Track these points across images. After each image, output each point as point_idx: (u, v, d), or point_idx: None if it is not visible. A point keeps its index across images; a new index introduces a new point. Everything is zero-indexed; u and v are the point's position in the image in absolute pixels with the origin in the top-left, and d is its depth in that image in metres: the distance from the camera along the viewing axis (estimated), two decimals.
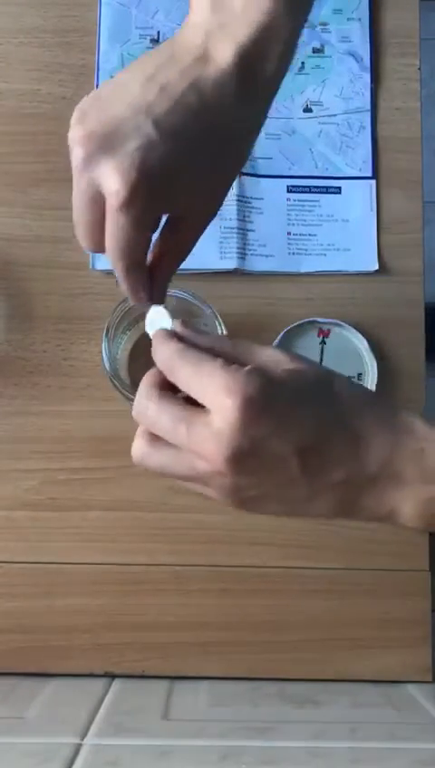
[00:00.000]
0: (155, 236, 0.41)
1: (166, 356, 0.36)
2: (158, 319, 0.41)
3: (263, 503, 0.36)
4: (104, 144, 0.36)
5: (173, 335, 0.37)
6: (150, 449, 0.36)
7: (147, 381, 0.37)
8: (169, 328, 0.39)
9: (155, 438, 0.36)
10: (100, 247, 0.39)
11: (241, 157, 0.42)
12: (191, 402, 0.35)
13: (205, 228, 0.42)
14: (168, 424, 0.35)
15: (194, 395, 0.35)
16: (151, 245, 0.41)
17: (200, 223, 0.42)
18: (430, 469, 0.34)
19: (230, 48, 0.37)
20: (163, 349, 0.37)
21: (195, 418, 0.34)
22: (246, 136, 0.41)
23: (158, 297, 0.42)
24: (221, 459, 0.33)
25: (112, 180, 0.36)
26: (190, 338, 0.37)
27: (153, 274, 0.41)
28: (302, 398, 0.35)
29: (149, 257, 0.41)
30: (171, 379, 0.36)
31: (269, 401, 0.33)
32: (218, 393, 0.33)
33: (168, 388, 0.36)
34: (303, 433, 0.34)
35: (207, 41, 0.38)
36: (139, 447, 0.37)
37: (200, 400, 0.34)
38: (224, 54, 0.37)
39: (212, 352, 0.35)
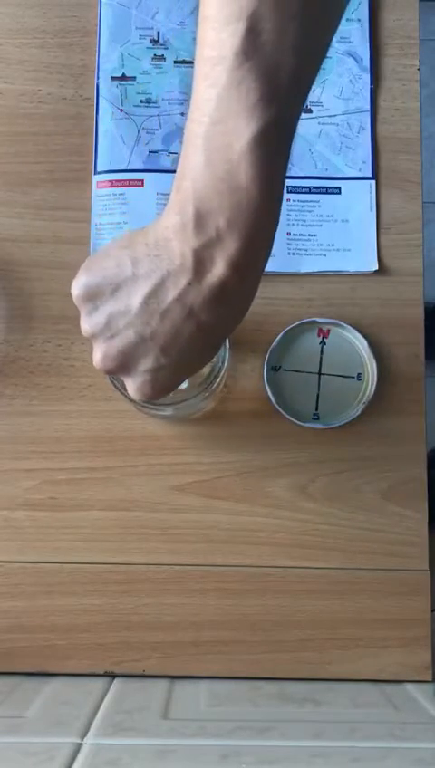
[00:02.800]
0: None
1: None
2: None
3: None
4: (122, 367, 0.44)
5: None
6: None
7: None
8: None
9: None
10: None
11: (232, 330, 0.45)
12: None
13: None
14: None
15: None
16: None
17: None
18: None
19: (221, 265, 0.39)
20: None
21: None
22: (239, 319, 0.43)
23: None
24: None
25: (131, 390, 0.45)
26: None
27: None
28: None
29: None
30: None
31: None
32: None
33: None
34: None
35: (198, 260, 0.39)
36: None
37: None
38: (216, 272, 0.39)
39: None
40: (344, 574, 0.61)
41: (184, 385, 0.58)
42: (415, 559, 0.61)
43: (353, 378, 0.62)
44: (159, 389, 0.44)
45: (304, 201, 0.65)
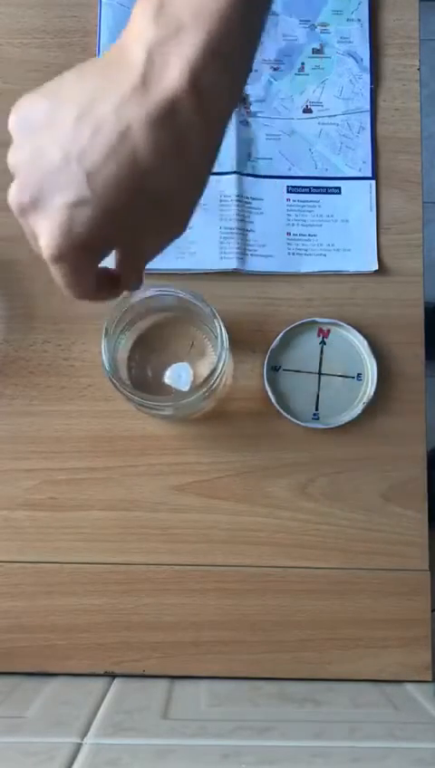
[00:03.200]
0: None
1: None
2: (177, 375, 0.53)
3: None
4: (36, 193, 0.34)
5: None
6: None
7: None
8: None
9: None
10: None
11: (185, 212, 0.37)
12: None
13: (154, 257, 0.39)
14: None
15: None
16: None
17: (146, 257, 0.39)
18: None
19: (175, 69, 0.31)
20: None
21: None
22: (192, 190, 0.36)
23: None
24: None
25: (42, 236, 0.35)
26: None
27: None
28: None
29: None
30: None
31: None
32: None
33: None
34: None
35: (150, 60, 0.31)
36: None
37: None
38: (168, 78, 0.31)
39: None
40: (344, 574, 0.61)
41: (187, 386, 0.59)
42: (415, 559, 0.61)
43: (353, 378, 0.62)
44: (74, 236, 0.34)
45: (304, 201, 0.64)
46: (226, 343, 0.57)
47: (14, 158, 0.36)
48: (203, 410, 0.61)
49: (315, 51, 0.66)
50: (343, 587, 0.61)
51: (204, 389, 0.56)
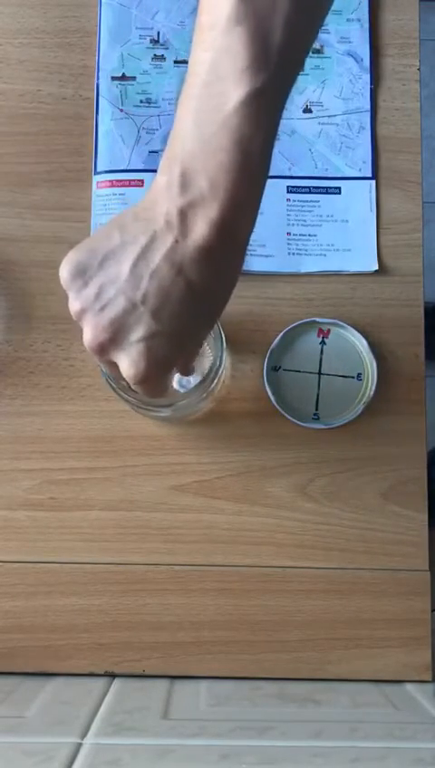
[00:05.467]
0: None
1: None
2: (185, 380, 0.56)
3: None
4: (111, 334, 0.42)
5: None
6: None
7: None
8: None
9: None
10: None
11: (224, 305, 0.44)
12: None
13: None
14: None
15: None
16: None
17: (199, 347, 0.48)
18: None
19: (204, 226, 0.39)
20: None
21: None
22: (228, 288, 0.43)
23: None
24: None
25: (125, 367, 0.43)
26: None
27: None
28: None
29: None
30: None
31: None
32: None
33: None
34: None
35: (183, 219, 0.39)
36: None
37: None
38: (199, 232, 0.39)
39: None
40: (344, 574, 0.61)
41: (193, 382, 0.58)
42: (415, 559, 0.61)
43: (353, 378, 0.62)
44: (155, 362, 0.42)
45: (304, 201, 0.64)
46: (224, 344, 0.57)
47: (78, 305, 0.43)
48: (202, 411, 0.61)
49: (315, 51, 0.66)
50: (343, 587, 0.61)
51: (201, 391, 0.56)
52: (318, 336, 0.63)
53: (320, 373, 0.62)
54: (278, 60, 0.38)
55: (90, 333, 0.42)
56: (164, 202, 0.40)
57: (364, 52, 0.66)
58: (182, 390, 0.58)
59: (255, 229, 0.63)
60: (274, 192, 0.64)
